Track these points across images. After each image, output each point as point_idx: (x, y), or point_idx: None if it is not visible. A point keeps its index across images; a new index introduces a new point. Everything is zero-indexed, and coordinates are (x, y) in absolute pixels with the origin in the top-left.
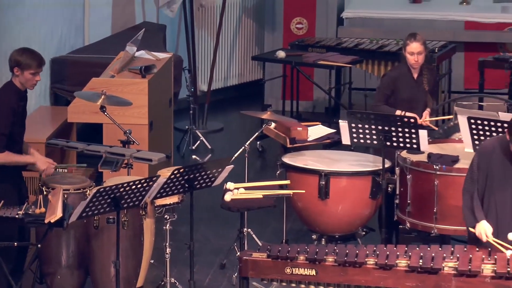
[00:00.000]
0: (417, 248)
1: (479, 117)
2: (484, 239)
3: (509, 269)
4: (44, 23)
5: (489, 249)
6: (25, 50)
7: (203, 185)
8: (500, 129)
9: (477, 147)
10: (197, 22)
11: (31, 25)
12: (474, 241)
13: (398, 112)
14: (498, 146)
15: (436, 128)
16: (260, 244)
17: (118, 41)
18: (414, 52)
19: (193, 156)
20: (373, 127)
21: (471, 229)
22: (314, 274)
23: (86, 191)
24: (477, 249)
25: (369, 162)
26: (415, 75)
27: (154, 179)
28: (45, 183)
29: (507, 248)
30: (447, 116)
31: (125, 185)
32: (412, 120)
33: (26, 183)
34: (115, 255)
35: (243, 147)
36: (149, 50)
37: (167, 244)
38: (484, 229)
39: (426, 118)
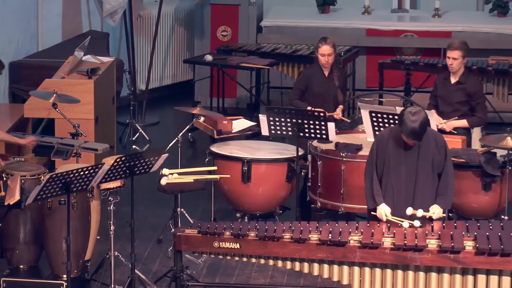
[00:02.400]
0: (327, 224)
1: (379, 111)
2: (384, 219)
3: (405, 241)
4: (3, 31)
5: (389, 224)
6: None
7: (142, 171)
8: (397, 121)
9: None
10: (136, 30)
11: None
12: (372, 219)
13: (308, 107)
14: (393, 135)
15: (349, 121)
16: (191, 221)
17: (68, 47)
18: (325, 53)
19: (133, 146)
20: (288, 120)
21: (372, 213)
22: (239, 247)
23: (41, 177)
24: (378, 224)
25: (285, 150)
26: (326, 73)
27: (99, 166)
28: (4, 170)
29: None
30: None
31: (74, 171)
32: (322, 114)
33: None
34: (66, 232)
35: (176, 138)
36: (94, 54)
37: (111, 222)
38: (383, 211)
39: (339, 113)
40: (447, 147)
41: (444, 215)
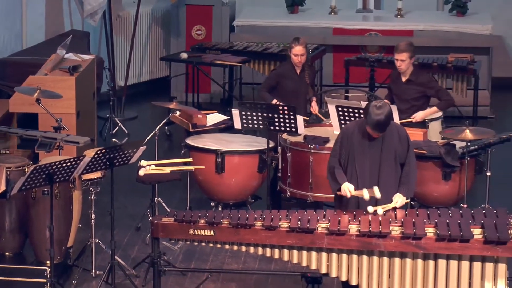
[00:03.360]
0: (296, 212)
1: (345, 105)
2: (349, 195)
3: (370, 228)
4: None
5: (354, 213)
6: None
7: (121, 162)
8: (362, 115)
9: None
10: (115, 29)
11: None
12: (339, 202)
13: (274, 101)
14: (358, 127)
15: (325, 119)
16: (168, 210)
17: (50, 45)
18: (298, 53)
19: (113, 139)
20: (259, 114)
21: (338, 192)
22: (213, 234)
23: (25, 169)
24: (344, 212)
25: (257, 143)
26: (298, 71)
27: (81, 158)
28: None
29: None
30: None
31: (57, 163)
32: (291, 111)
33: None
34: (50, 220)
35: (153, 132)
36: (76, 52)
37: (92, 211)
38: (347, 187)
39: (316, 109)
40: (409, 139)
41: (408, 200)
